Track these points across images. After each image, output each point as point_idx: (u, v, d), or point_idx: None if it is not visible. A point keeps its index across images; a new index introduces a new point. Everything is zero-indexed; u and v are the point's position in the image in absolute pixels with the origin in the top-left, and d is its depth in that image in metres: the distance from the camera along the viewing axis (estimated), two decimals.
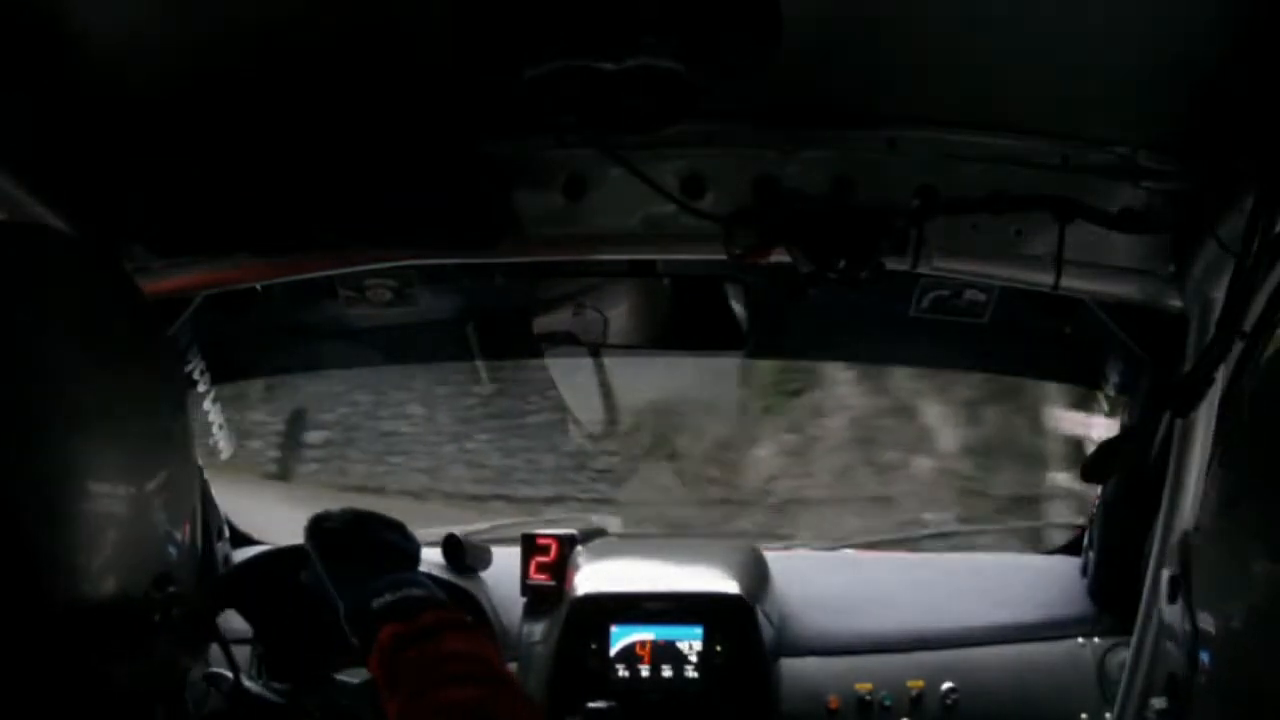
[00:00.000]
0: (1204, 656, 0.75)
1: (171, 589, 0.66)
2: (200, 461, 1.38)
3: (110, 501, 0.61)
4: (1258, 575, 0.68)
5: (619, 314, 1.40)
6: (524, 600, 1.56)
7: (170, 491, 0.67)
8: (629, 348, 1.47)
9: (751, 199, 1.15)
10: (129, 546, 0.63)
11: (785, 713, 1.41)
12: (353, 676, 1.20)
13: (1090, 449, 1.53)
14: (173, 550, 0.67)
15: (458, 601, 1.39)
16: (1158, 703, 1.05)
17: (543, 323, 1.42)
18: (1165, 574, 0.99)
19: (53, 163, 1.07)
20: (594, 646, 1.41)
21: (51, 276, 0.63)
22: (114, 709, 0.62)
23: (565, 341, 1.48)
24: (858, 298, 1.46)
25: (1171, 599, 0.90)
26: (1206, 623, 0.75)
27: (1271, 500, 0.67)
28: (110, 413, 0.63)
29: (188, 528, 0.68)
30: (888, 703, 1.40)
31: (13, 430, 0.57)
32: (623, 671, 1.41)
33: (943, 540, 2.28)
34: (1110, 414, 1.51)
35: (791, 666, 1.45)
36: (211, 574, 1.46)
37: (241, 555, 1.45)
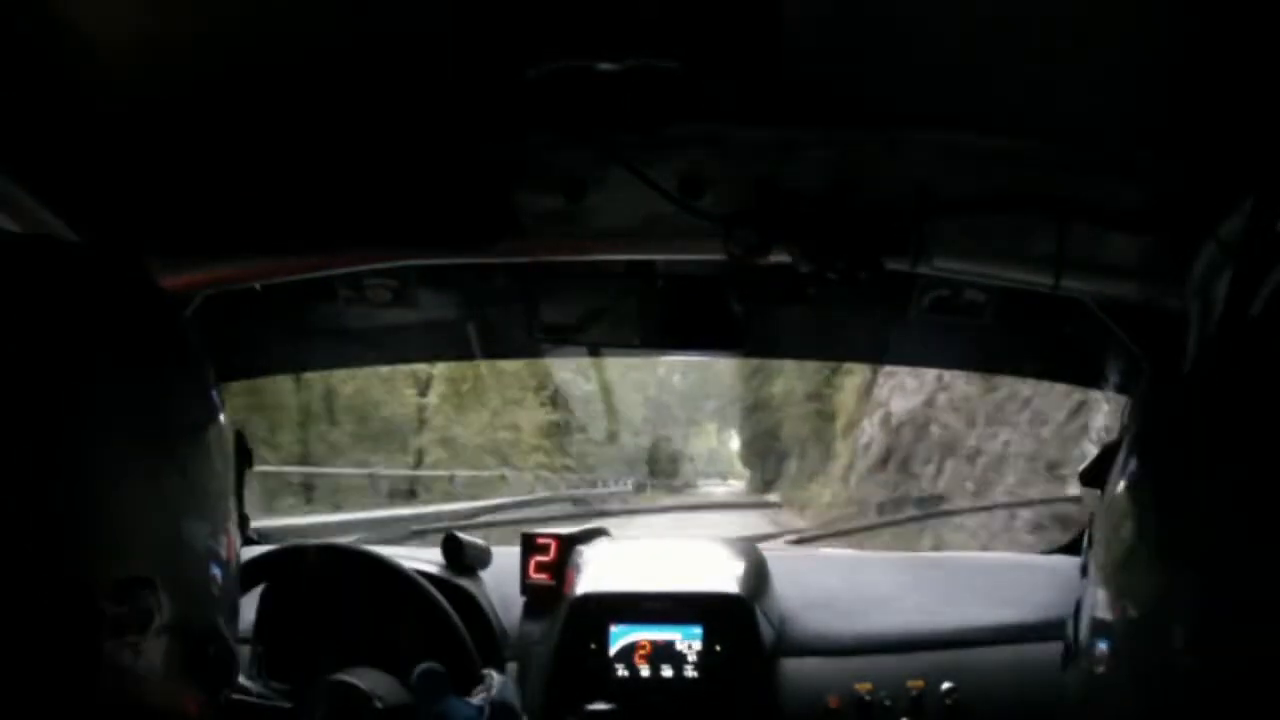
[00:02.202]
0: (1100, 649, 0.75)
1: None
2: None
3: (146, 510, 0.61)
4: (1153, 566, 0.68)
5: (618, 313, 1.40)
6: (523, 600, 1.56)
7: (208, 499, 0.66)
8: (628, 347, 1.47)
9: (751, 199, 1.15)
10: (166, 560, 0.62)
11: (785, 713, 1.41)
12: (355, 678, 1.20)
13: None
14: (215, 566, 0.66)
15: (456, 601, 1.40)
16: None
17: (543, 323, 1.42)
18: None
19: (51, 163, 1.07)
20: (593, 646, 1.41)
21: (76, 288, 0.63)
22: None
23: (565, 342, 1.48)
24: (858, 298, 1.46)
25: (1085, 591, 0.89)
26: (1104, 615, 0.75)
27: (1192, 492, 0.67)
28: (143, 419, 0.62)
29: (225, 538, 0.68)
30: (888, 703, 1.40)
31: (43, 442, 0.57)
32: (622, 671, 1.41)
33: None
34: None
35: (791, 666, 1.44)
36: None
37: (241, 556, 1.45)
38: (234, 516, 0.70)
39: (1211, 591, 0.59)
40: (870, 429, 10.32)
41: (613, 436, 17.18)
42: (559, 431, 15.72)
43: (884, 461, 9.64)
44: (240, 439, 0.76)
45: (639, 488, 17.12)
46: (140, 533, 0.60)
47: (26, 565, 0.55)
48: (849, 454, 11.08)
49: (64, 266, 0.63)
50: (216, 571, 0.66)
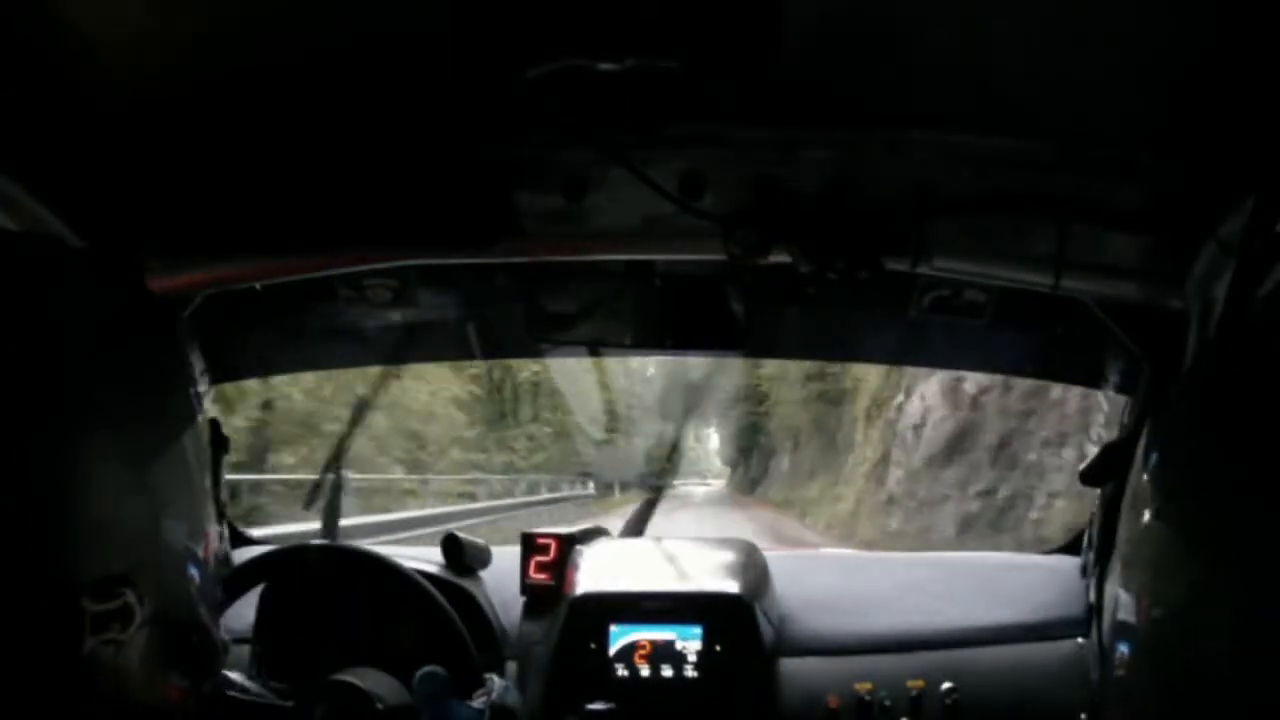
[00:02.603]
0: (1122, 651, 0.75)
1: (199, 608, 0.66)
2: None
3: (126, 507, 0.61)
4: (1179, 565, 0.68)
5: (618, 313, 1.40)
6: (523, 600, 1.56)
7: (187, 496, 0.67)
8: (628, 347, 1.47)
9: (751, 199, 1.15)
10: (147, 554, 0.63)
11: (785, 713, 1.41)
12: (355, 678, 1.20)
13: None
14: (192, 564, 0.66)
15: (456, 601, 1.40)
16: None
17: (543, 323, 1.42)
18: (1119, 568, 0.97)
19: (51, 163, 1.07)
20: (593, 646, 1.41)
21: (66, 286, 0.63)
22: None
23: (565, 341, 1.48)
24: (858, 298, 1.46)
25: (1098, 593, 0.89)
26: (1126, 616, 0.75)
27: (1200, 490, 0.67)
28: (127, 418, 0.62)
29: (206, 537, 0.68)
30: (888, 703, 1.40)
31: (29, 437, 0.57)
32: (622, 671, 1.41)
33: None
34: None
35: (791, 666, 1.44)
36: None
37: (241, 556, 1.45)
38: (213, 508, 0.70)
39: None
40: (922, 405, 7.70)
41: (569, 431, 13.56)
42: (496, 423, 11.95)
43: (953, 449, 6.82)
44: (215, 427, 0.75)
45: (603, 490, 14.18)
46: (122, 526, 0.60)
47: (8, 561, 0.55)
48: (879, 443, 8.40)
49: (46, 262, 0.63)
50: (196, 563, 0.66)
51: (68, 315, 0.61)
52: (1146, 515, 0.73)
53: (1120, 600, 0.75)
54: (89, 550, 0.58)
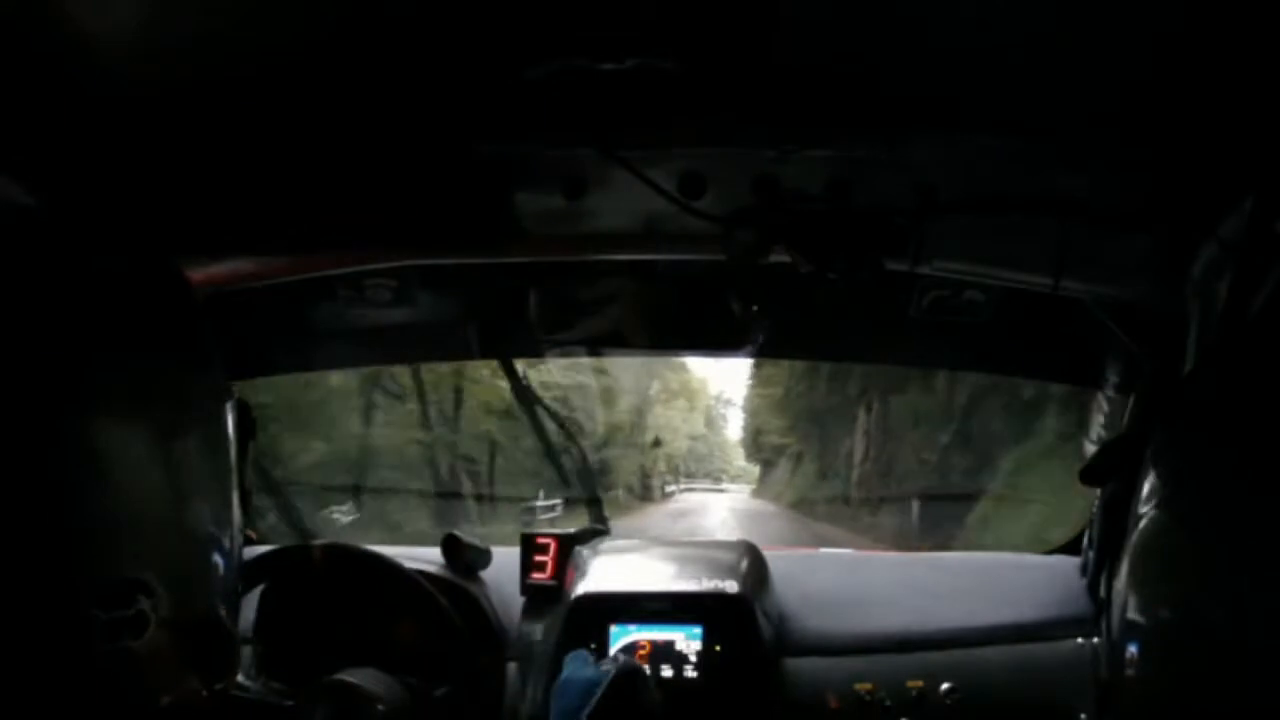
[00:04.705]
0: (1132, 650, 0.75)
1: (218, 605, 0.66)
2: None
3: (147, 494, 0.61)
4: (1187, 566, 0.69)
5: (618, 314, 1.41)
6: (523, 600, 1.56)
7: (211, 489, 0.66)
8: (629, 348, 1.47)
9: (751, 199, 1.15)
10: (170, 547, 0.62)
11: (785, 713, 1.41)
12: (355, 678, 1.20)
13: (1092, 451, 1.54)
14: (218, 554, 0.66)
15: (457, 601, 1.40)
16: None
17: (543, 323, 1.42)
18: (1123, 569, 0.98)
19: (51, 163, 1.07)
20: (593, 646, 1.41)
21: (83, 262, 0.62)
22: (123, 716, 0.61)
23: (565, 342, 1.48)
24: (858, 298, 1.47)
25: (1107, 591, 0.90)
26: (1135, 615, 0.75)
27: (1207, 490, 0.68)
28: (152, 398, 0.62)
29: (228, 532, 0.68)
30: (888, 703, 1.40)
31: (47, 418, 0.56)
32: None
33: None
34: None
35: (791, 666, 1.45)
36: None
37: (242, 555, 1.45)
38: (236, 500, 0.69)
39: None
40: None
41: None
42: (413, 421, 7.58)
43: None
44: (244, 409, 0.74)
45: (578, 504, 9.84)
46: (143, 519, 0.60)
47: (22, 559, 0.55)
48: None
49: (69, 239, 0.63)
50: (219, 557, 0.66)
51: (86, 289, 0.60)
52: (1154, 513, 0.73)
53: (1128, 600, 0.75)
54: (107, 543, 0.58)
